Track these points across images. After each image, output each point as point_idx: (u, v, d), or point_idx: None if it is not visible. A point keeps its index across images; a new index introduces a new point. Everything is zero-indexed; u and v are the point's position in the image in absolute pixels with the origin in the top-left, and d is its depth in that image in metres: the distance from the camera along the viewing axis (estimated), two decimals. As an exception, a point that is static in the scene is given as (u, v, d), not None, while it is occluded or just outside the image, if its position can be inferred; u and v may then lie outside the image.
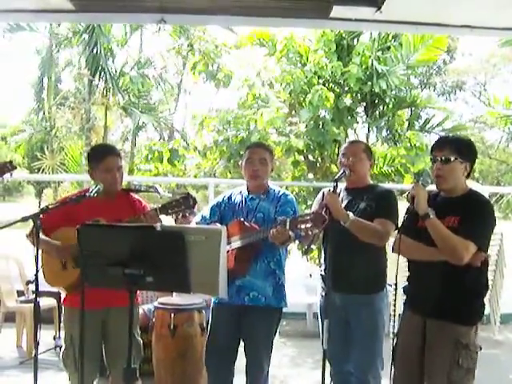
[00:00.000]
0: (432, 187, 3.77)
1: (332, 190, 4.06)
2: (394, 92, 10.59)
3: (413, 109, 11.54)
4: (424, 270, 3.65)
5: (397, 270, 3.69)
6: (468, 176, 3.70)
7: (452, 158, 3.57)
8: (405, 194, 3.73)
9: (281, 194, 4.41)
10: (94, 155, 4.38)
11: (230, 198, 4.49)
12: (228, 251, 3.96)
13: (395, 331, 3.83)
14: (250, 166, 4.36)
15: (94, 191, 3.96)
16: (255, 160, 4.34)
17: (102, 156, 4.27)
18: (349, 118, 10.08)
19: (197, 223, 4.47)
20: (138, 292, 4.46)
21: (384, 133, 11.25)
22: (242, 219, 4.26)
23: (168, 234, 2.75)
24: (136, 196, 4.44)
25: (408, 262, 3.84)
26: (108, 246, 2.75)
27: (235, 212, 4.36)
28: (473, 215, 3.50)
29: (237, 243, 4.16)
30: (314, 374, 5.83)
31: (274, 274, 4.34)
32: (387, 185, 8.86)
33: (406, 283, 3.93)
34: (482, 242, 3.51)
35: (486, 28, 5.87)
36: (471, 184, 3.94)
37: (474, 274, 3.52)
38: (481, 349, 3.58)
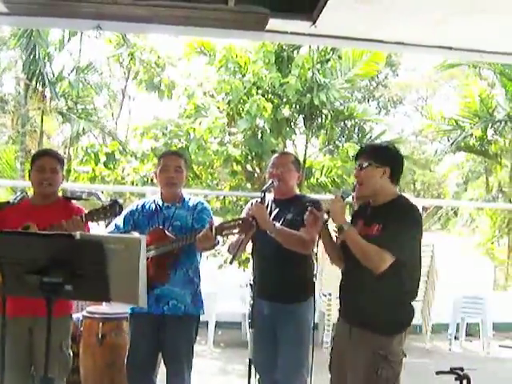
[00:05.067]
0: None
1: (260, 200, 4.12)
2: (333, 105, 10.77)
3: (352, 121, 11.76)
4: (348, 278, 3.71)
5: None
6: (395, 182, 3.67)
7: (365, 164, 3.59)
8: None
9: (196, 202, 4.41)
10: (32, 156, 4.37)
11: (143, 206, 4.45)
12: (148, 259, 3.95)
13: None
14: (165, 173, 4.33)
15: (18, 198, 3.89)
16: (170, 167, 4.33)
17: (37, 156, 4.26)
18: (287, 129, 10.21)
19: (109, 233, 4.38)
20: (73, 302, 4.40)
21: (322, 144, 11.43)
22: (161, 227, 4.25)
23: (87, 242, 2.70)
24: (77, 205, 4.32)
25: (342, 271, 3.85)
26: (25, 253, 2.68)
27: (151, 220, 4.34)
28: (393, 222, 3.46)
29: (156, 251, 4.13)
30: (242, 383, 5.85)
31: (193, 281, 4.33)
32: (321, 196, 9.00)
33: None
34: (399, 250, 3.43)
35: (420, 45, 6.00)
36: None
37: (392, 282, 3.46)
38: (405, 356, 3.54)
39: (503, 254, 15.21)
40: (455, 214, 17.05)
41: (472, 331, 8.84)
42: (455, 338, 8.42)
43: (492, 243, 15.28)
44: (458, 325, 8.42)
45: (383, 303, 3.49)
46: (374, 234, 3.52)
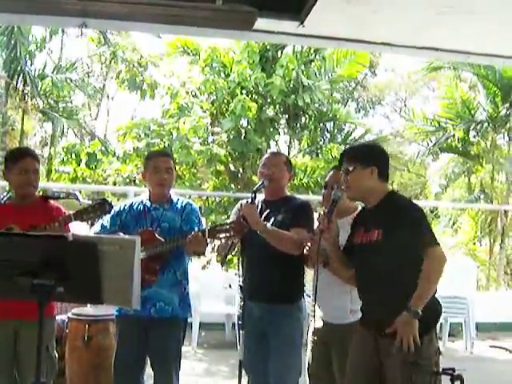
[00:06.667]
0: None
1: (250, 201, 4.09)
2: (316, 105, 10.79)
3: (336, 122, 11.78)
4: (363, 286, 3.59)
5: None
6: (384, 179, 3.58)
7: (351, 168, 3.53)
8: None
9: (185, 203, 4.39)
10: (11, 156, 4.27)
11: (131, 206, 4.40)
12: None
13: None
14: (157, 175, 4.30)
15: (5, 197, 3.84)
16: (162, 169, 4.30)
17: (19, 157, 4.16)
18: (271, 129, 10.20)
19: (96, 233, 4.31)
20: (55, 303, 4.33)
21: (306, 145, 11.44)
22: (151, 229, 4.20)
23: (80, 243, 2.65)
24: (56, 204, 4.28)
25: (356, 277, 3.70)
26: (16, 255, 2.63)
27: (138, 221, 4.29)
28: (393, 228, 3.32)
29: (146, 253, 4.05)
30: (229, 384, 5.84)
31: (181, 284, 4.29)
32: (305, 196, 8.98)
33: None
34: (406, 252, 3.30)
35: (406, 46, 6.01)
36: None
37: (408, 282, 3.28)
38: (441, 354, 3.38)
39: (485, 254, 15.36)
40: (436, 215, 17.12)
41: (454, 331, 8.87)
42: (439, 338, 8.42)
43: (474, 244, 15.42)
44: (441, 325, 8.42)
45: (402, 306, 3.29)
46: (375, 239, 3.42)
